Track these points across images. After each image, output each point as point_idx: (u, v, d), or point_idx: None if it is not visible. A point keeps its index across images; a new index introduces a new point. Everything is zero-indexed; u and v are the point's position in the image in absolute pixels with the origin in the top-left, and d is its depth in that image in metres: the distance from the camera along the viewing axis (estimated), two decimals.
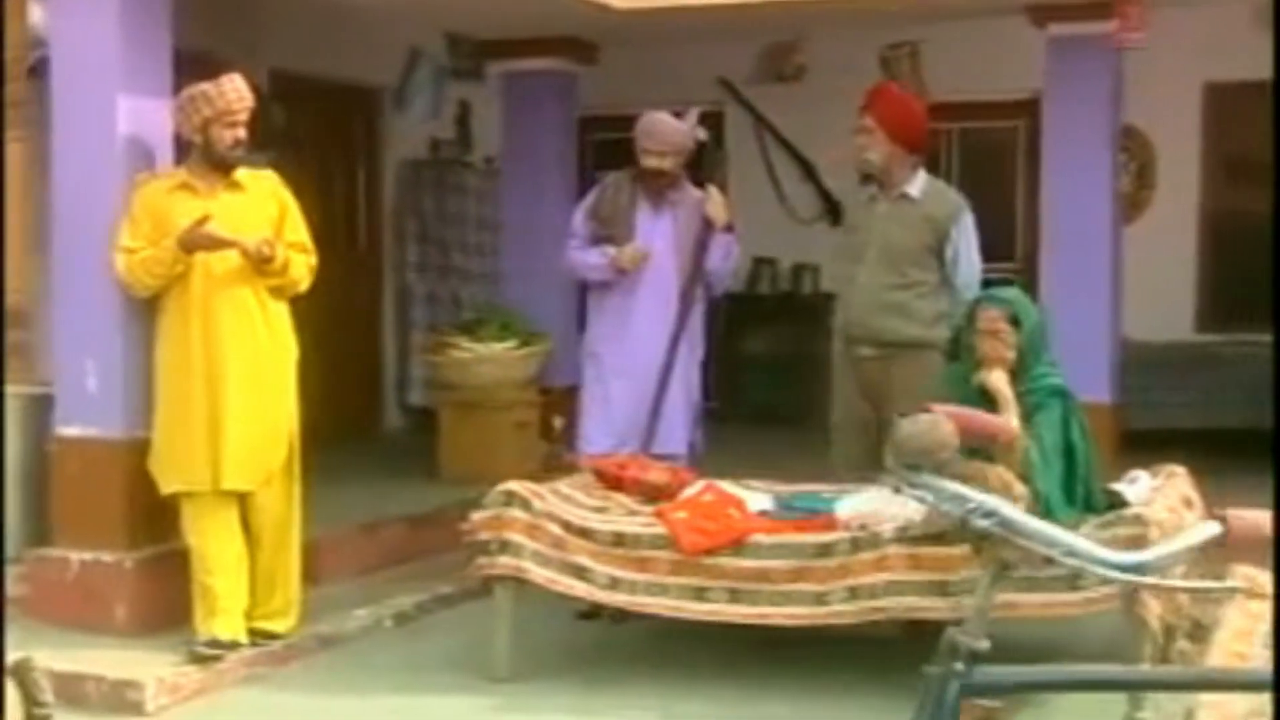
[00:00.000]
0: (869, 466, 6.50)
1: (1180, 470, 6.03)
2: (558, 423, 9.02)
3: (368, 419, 10.44)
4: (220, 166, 6.03)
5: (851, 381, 6.67)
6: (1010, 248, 10.74)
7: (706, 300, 7.12)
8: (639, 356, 6.85)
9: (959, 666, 2.43)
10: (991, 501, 2.52)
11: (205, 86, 5.98)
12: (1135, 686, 2.90)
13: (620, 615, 6.58)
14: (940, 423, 4.58)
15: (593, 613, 6.65)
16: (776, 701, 5.68)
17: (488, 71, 9.73)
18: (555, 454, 8.99)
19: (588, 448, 6.89)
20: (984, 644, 2.52)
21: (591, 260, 6.91)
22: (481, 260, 10.71)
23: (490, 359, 8.46)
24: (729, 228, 7.02)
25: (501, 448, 8.48)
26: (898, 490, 4.92)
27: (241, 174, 6.10)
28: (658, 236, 6.92)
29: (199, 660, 5.82)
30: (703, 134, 7.07)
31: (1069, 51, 8.11)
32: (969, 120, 10.85)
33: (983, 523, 2.47)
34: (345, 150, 10.38)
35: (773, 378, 11.08)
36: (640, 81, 10.18)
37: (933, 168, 11.11)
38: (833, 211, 11.56)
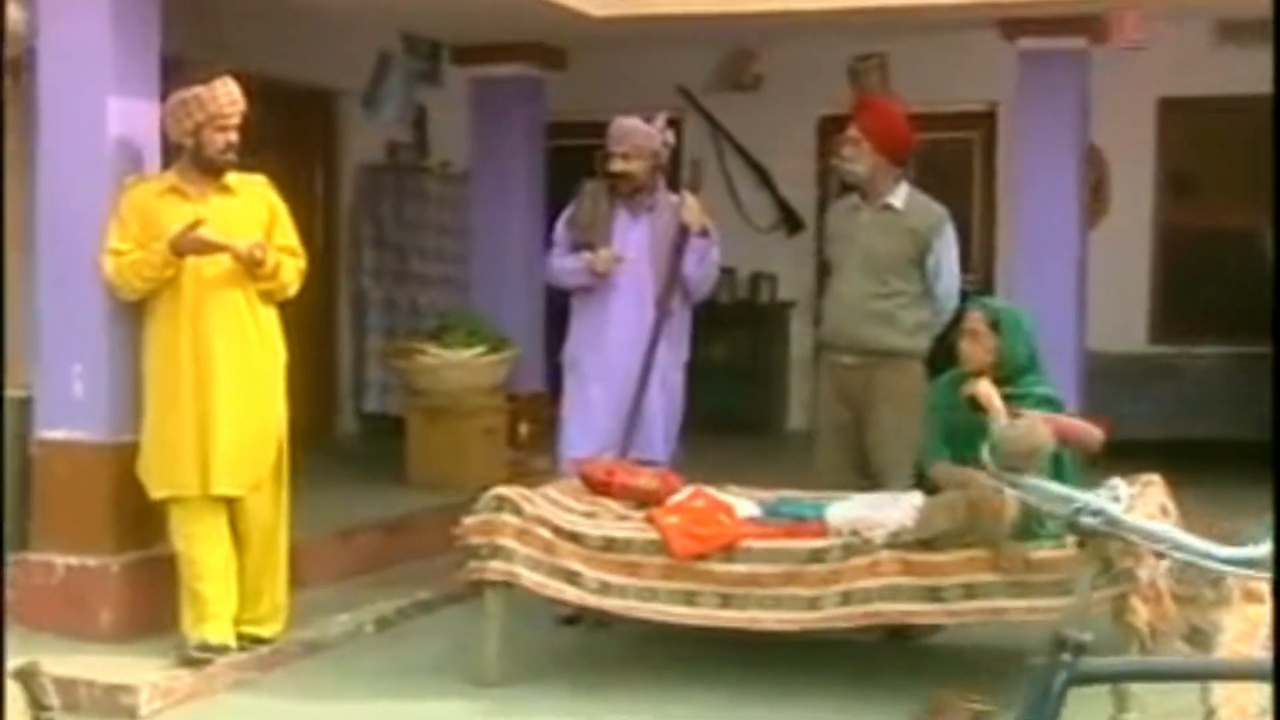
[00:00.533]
0: (850, 471, 6.72)
1: (1156, 479, 6.21)
2: (524, 429, 9.15)
3: (322, 425, 10.47)
4: (210, 170, 6.11)
5: (831, 387, 6.83)
6: (966, 258, 10.94)
7: (689, 307, 7.24)
8: (616, 362, 6.97)
9: (1066, 658, 2.58)
10: (1098, 500, 2.66)
11: (198, 90, 6.06)
12: (1232, 677, 3.08)
13: (602, 620, 6.72)
14: (1038, 426, 4.76)
15: (575, 618, 6.77)
16: (765, 705, 5.81)
17: (457, 77, 9.82)
18: (522, 460, 9.12)
19: (570, 453, 7.00)
20: (1089, 636, 2.67)
21: (569, 265, 7.04)
22: (442, 266, 10.79)
23: (458, 365, 8.57)
24: (704, 233, 7.15)
25: (470, 454, 8.58)
26: (999, 491, 5.17)
27: (232, 178, 6.18)
28: (633, 243, 7.03)
29: (190, 664, 5.89)
30: (670, 138, 7.21)
31: (1039, 65, 8.33)
32: (924, 131, 11.01)
33: (1090, 521, 2.61)
34: (303, 154, 10.41)
35: (731, 386, 11.23)
36: (599, 88, 10.31)
37: None
38: (789, 220, 11.79)
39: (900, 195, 6.75)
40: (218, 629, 6.00)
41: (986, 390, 5.77)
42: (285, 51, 9.34)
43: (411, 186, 10.86)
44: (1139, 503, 5.88)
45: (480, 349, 8.72)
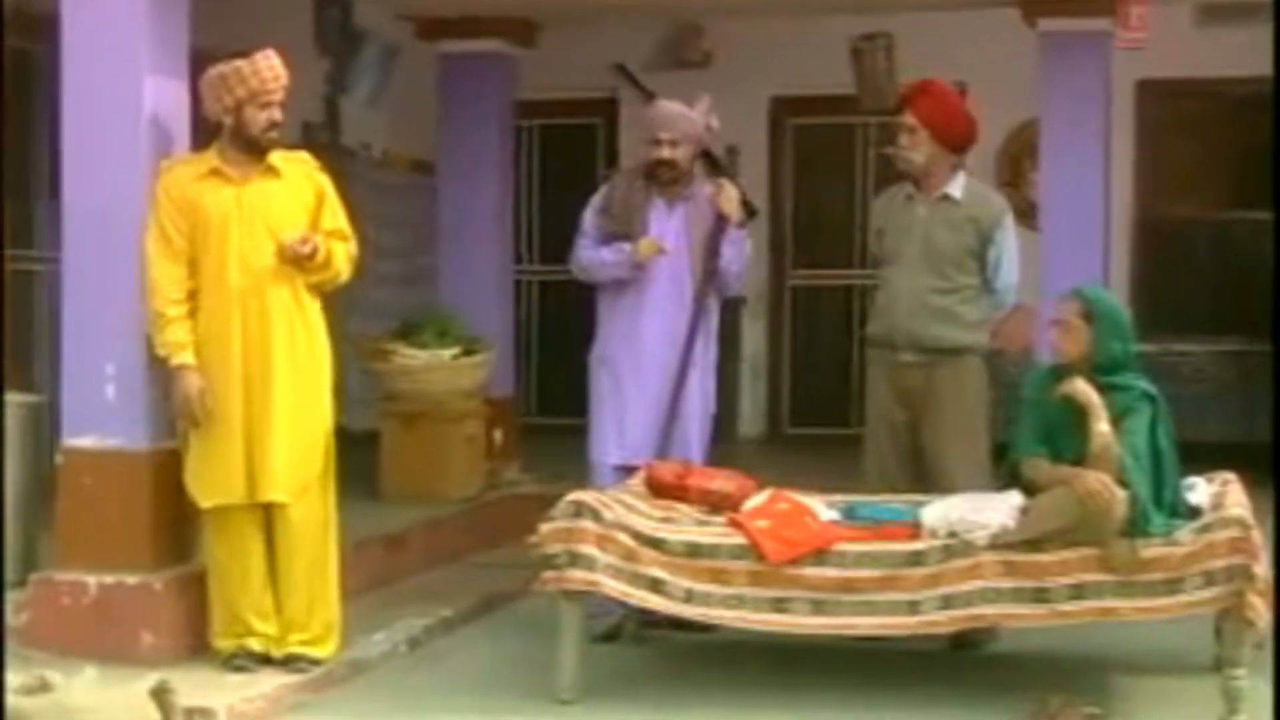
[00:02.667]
0: (901, 474, 7.29)
1: (1233, 477, 6.88)
2: (498, 436, 9.56)
3: None
4: (253, 150, 6.42)
5: (885, 387, 7.36)
6: None
7: (720, 301, 7.72)
8: (652, 359, 7.38)
9: None
10: None
11: (239, 63, 6.37)
12: None
13: (641, 637, 7.22)
14: None
15: (612, 634, 7.22)
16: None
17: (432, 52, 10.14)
18: (496, 470, 9.56)
19: (604, 458, 7.43)
20: None
21: (607, 258, 7.44)
22: (372, 260, 11.08)
23: (441, 367, 8.90)
24: (742, 224, 7.64)
25: (452, 464, 8.97)
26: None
27: (276, 157, 6.49)
28: (671, 233, 7.46)
29: (239, 670, 6.30)
30: (715, 123, 7.68)
31: (1060, 48, 9.00)
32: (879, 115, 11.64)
33: None
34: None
35: None
36: (540, 67, 10.76)
37: (848, 166, 12.13)
38: (741, 208, 12.33)
39: (958, 185, 7.30)
40: (249, 640, 6.39)
41: (1083, 389, 6.34)
42: (209, 19, 9.57)
43: (333, 170, 11.11)
44: (1228, 500, 6.57)
45: (455, 349, 9.07)
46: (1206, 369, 11.21)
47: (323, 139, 11.29)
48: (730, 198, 7.54)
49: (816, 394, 12.38)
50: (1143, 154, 11.56)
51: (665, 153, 7.41)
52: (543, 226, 12.29)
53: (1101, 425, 6.25)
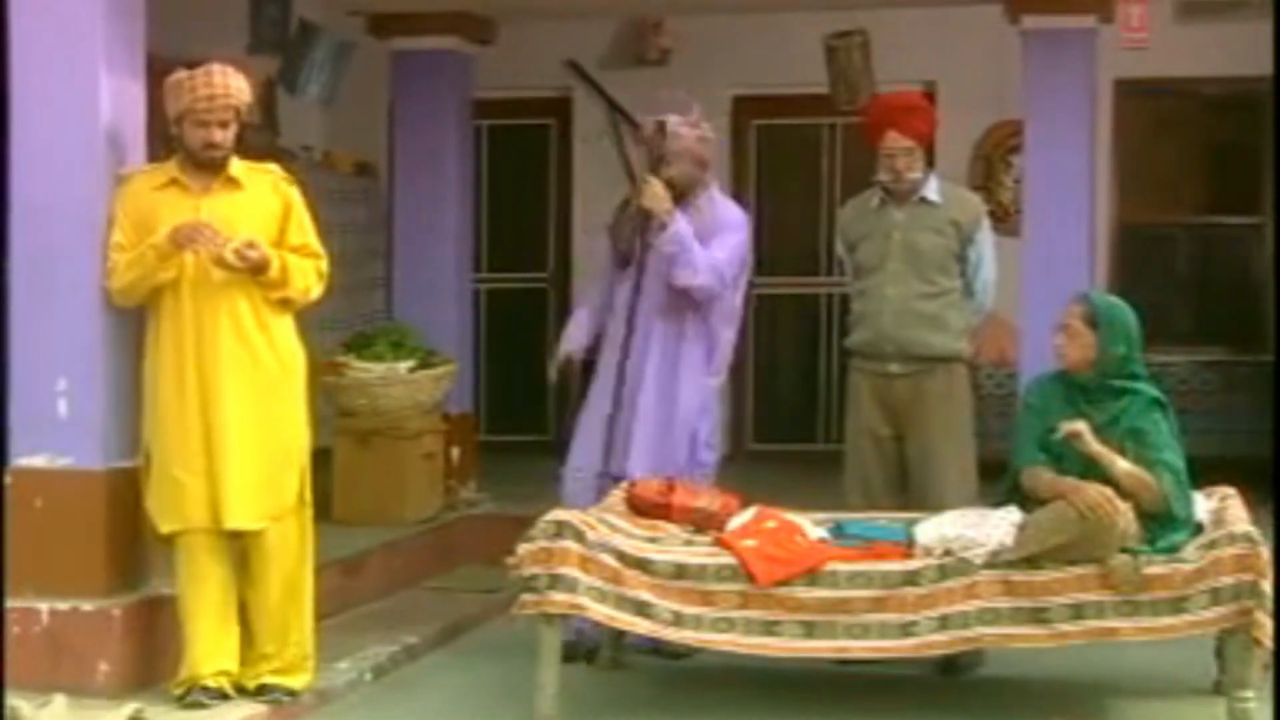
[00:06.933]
0: (885, 490, 7.41)
1: (1233, 492, 7.02)
2: (455, 454, 9.63)
3: None
4: (207, 164, 6.44)
5: (868, 399, 7.47)
6: None
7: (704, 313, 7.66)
8: (634, 369, 7.46)
9: None
10: None
11: (181, 76, 6.40)
12: None
13: (619, 662, 7.30)
14: None
15: (583, 655, 7.26)
16: None
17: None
18: (453, 489, 9.63)
19: (577, 473, 7.50)
20: None
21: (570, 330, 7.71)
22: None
23: (399, 381, 8.95)
24: (663, 225, 7.27)
25: (410, 483, 9.03)
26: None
27: (237, 169, 6.50)
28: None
29: (193, 707, 6.29)
30: (709, 131, 7.64)
31: (1045, 46, 9.13)
32: (849, 115, 11.75)
33: None
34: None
35: None
36: (493, 64, 10.84)
37: (815, 168, 12.24)
38: None
39: (933, 187, 7.48)
40: (221, 673, 6.40)
41: (1087, 439, 6.41)
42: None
43: None
44: (1230, 516, 6.70)
45: (411, 362, 9.13)
46: (1189, 379, 11.37)
47: (260, 142, 11.32)
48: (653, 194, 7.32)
49: (782, 408, 12.44)
50: (1120, 155, 11.68)
51: (673, 172, 7.40)
52: (492, 231, 12.34)
53: (1119, 467, 6.39)
